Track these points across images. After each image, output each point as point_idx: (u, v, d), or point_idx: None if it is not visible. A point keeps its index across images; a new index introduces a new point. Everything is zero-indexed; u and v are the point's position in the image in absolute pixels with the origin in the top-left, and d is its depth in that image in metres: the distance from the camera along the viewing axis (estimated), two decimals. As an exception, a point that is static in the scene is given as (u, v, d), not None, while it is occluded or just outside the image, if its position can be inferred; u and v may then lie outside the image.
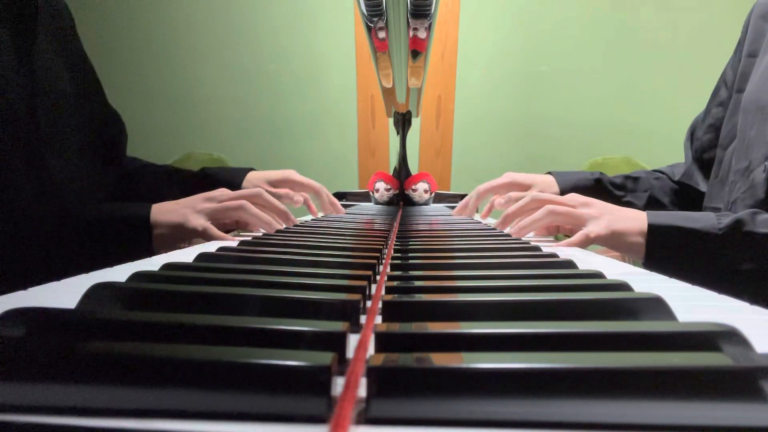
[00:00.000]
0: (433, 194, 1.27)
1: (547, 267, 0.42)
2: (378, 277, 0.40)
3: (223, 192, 0.73)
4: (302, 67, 2.19)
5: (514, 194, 0.81)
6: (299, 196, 0.90)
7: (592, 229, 0.66)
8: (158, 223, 0.67)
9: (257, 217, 0.70)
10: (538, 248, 0.52)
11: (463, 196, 1.36)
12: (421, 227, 0.74)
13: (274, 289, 0.30)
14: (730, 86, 0.89)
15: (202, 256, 0.44)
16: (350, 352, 0.23)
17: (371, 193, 1.27)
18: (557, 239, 0.73)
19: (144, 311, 0.28)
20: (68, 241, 0.66)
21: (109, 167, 0.93)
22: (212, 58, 2.23)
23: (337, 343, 0.22)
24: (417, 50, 0.79)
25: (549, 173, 0.99)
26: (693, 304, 0.33)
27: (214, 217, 0.70)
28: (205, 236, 0.68)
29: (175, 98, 2.25)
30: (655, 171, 1.03)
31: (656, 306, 0.27)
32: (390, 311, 0.27)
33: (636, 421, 0.17)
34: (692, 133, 1.00)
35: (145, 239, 0.67)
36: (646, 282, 0.40)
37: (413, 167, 1.35)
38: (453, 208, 1.24)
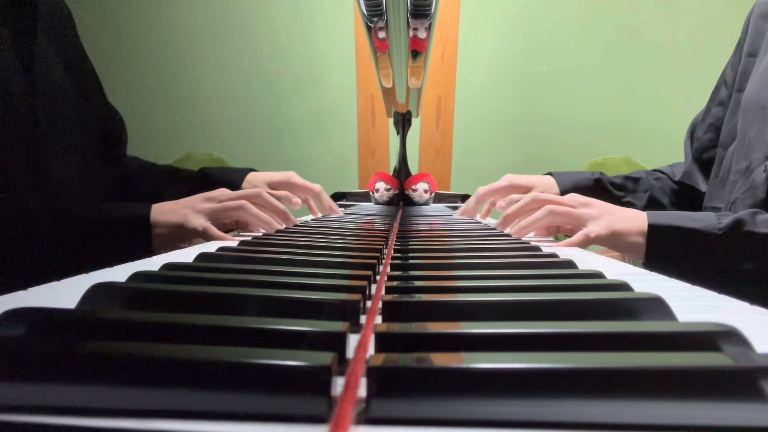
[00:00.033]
0: (433, 194, 1.27)
1: (547, 267, 0.42)
2: (378, 277, 0.40)
3: (223, 192, 0.73)
4: (302, 67, 2.19)
5: (515, 196, 0.81)
6: (297, 198, 0.90)
7: (592, 229, 0.66)
8: (158, 223, 0.67)
9: (257, 217, 0.71)
10: (538, 248, 0.52)
11: (463, 196, 1.36)
12: (421, 227, 0.74)
13: (274, 289, 0.30)
14: (731, 85, 0.89)
15: (202, 256, 0.44)
16: (350, 352, 0.23)
17: (371, 193, 1.27)
18: (557, 239, 0.73)
19: (144, 311, 0.28)
20: (68, 241, 0.66)
21: (110, 167, 0.93)
22: (212, 58, 2.23)
23: (337, 343, 0.22)
24: (417, 50, 0.79)
25: (549, 173, 0.99)
26: (693, 304, 0.33)
27: (214, 217, 0.70)
28: (205, 236, 0.68)
29: (175, 98, 2.25)
30: (655, 171, 1.03)
31: (656, 306, 0.27)
32: (390, 311, 0.27)
33: (636, 421, 0.17)
34: (692, 133, 1.00)
35: (145, 239, 0.67)
36: (646, 282, 0.40)
37: (413, 167, 1.35)
38: (453, 208, 1.24)
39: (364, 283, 0.32)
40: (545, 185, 0.95)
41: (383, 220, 0.84)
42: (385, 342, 0.22)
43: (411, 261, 0.44)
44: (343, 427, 0.16)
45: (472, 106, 2.16)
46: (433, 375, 0.17)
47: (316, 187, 0.96)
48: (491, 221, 0.92)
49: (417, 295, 0.30)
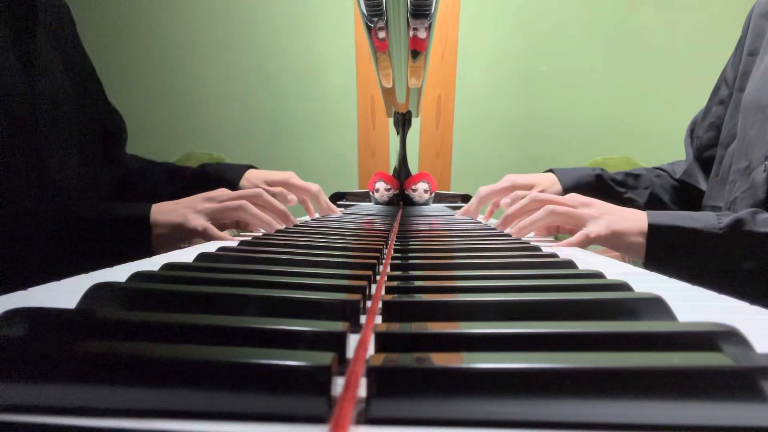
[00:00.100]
0: (433, 194, 1.27)
1: (547, 267, 0.42)
2: (378, 277, 0.40)
3: (223, 192, 0.73)
4: (302, 67, 2.19)
5: (520, 193, 0.81)
6: (293, 195, 0.89)
7: (592, 229, 0.66)
8: (158, 223, 0.67)
9: (257, 218, 0.71)
10: (538, 248, 0.52)
11: (463, 196, 1.37)
12: (421, 227, 0.74)
13: (274, 289, 0.30)
14: (731, 85, 0.89)
15: (202, 256, 0.44)
16: (350, 352, 0.23)
17: (371, 193, 1.27)
18: (557, 239, 0.73)
19: (144, 311, 0.28)
20: (68, 241, 0.66)
21: (109, 166, 0.93)
22: (212, 58, 2.23)
23: (337, 343, 0.22)
24: (417, 50, 0.79)
25: (550, 170, 0.99)
26: (693, 304, 0.33)
27: (214, 217, 0.70)
28: (205, 236, 0.68)
29: (175, 98, 2.25)
30: (655, 168, 1.03)
31: (656, 306, 0.27)
32: (390, 311, 0.27)
33: (636, 421, 0.17)
34: (692, 131, 1.00)
35: (144, 239, 0.67)
36: (646, 282, 0.40)
37: (413, 167, 1.35)
38: (453, 208, 1.24)
39: (364, 283, 0.32)
40: (547, 183, 0.95)
41: (383, 220, 0.84)
42: (385, 342, 0.22)
43: (411, 261, 0.44)
44: (343, 427, 0.16)
45: (472, 106, 2.16)
46: (433, 375, 0.17)
47: (315, 187, 0.96)
48: (493, 222, 0.92)
49: (417, 295, 0.30)
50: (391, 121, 1.30)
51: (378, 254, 0.45)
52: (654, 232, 0.64)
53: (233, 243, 0.58)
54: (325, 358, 0.18)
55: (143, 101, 2.23)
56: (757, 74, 0.81)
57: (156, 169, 0.99)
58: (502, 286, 0.32)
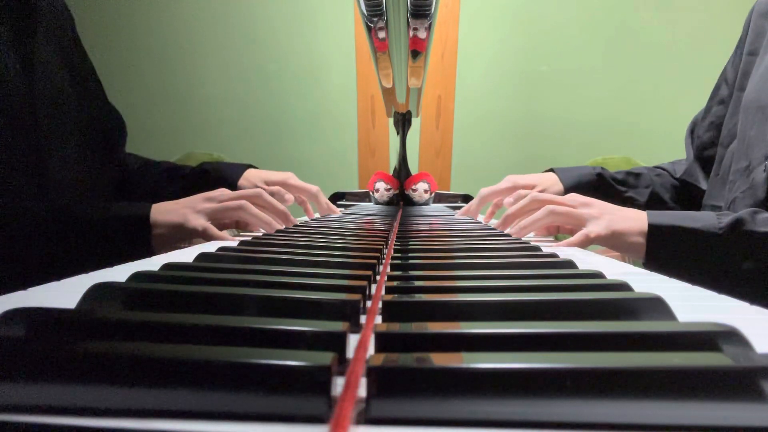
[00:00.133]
0: (433, 194, 1.27)
1: (547, 267, 0.42)
2: (378, 277, 0.40)
3: (223, 192, 0.73)
4: (302, 67, 2.19)
5: (522, 192, 0.81)
6: (290, 195, 0.89)
7: (592, 229, 0.66)
8: (158, 223, 0.67)
9: (257, 218, 0.71)
10: (538, 248, 0.52)
11: (463, 196, 1.37)
12: (421, 227, 0.74)
13: (274, 289, 0.30)
14: (731, 84, 0.89)
15: (202, 256, 0.44)
16: (350, 352, 0.23)
17: (371, 193, 1.27)
18: (557, 239, 0.73)
19: (144, 311, 0.28)
20: (68, 241, 0.66)
21: (109, 165, 0.93)
22: (212, 58, 2.23)
23: (337, 343, 0.22)
24: (417, 50, 0.79)
25: (551, 170, 0.99)
26: (693, 304, 0.33)
27: (214, 217, 0.70)
28: (205, 236, 0.68)
29: (175, 98, 2.25)
30: (656, 167, 1.03)
31: (656, 306, 0.27)
32: (390, 311, 0.27)
33: (636, 421, 0.17)
34: (692, 131, 1.00)
35: (144, 239, 0.67)
36: (646, 282, 0.40)
37: (413, 167, 1.35)
38: (453, 208, 1.24)
39: (364, 283, 0.32)
40: (548, 182, 0.95)
41: (383, 220, 0.84)
42: (385, 342, 0.22)
43: (411, 261, 0.44)
44: (343, 427, 0.16)
45: (472, 106, 2.16)
46: (433, 375, 0.17)
47: (314, 188, 0.96)
48: (494, 223, 0.92)
49: (417, 295, 0.30)
50: (391, 121, 1.30)
51: (378, 254, 0.45)
52: (654, 231, 0.64)
53: (233, 243, 0.58)
54: (325, 358, 0.18)
55: (143, 101, 2.23)
56: (757, 74, 0.81)
57: (155, 169, 0.99)
58: (502, 286, 0.32)
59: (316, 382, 0.17)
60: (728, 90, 0.90)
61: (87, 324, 0.23)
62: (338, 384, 0.19)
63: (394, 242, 0.56)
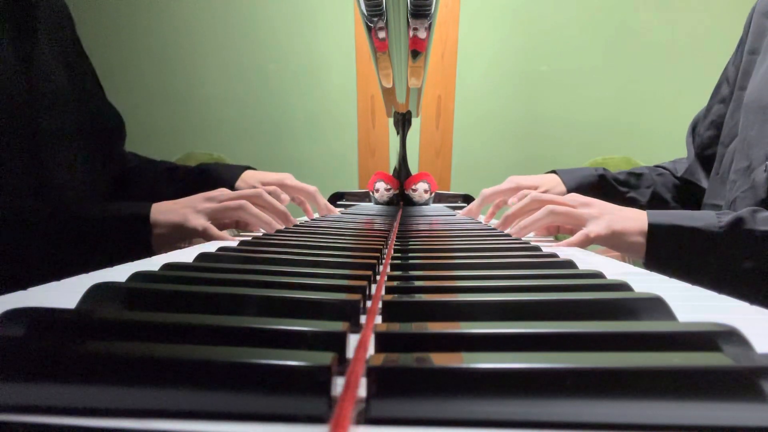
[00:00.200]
0: (433, 194, 1.27)
1: (547, 267, 0.42)
2: (378, 277, 0.40)
3: (223, 192, 0.73)
4: (302, 67, 2.19)
5: (525, 192, 0.81)
6: (286, 195, 0.90)
7: (592, 228, 0.66)
8: (158, 222, 0.67)
9: (257, 218, 0.71)
10: (538, 248, 0.52)
11: (463, 196, 1.36)
12: (421, 227, 0.74)
13: (274, 289, 0.30)
14: (732, 83, 0.89)
15: (202, 256, 0.44)
16: (350, 352, 0.23)
17: (371, 193, 1.27)
18: (557, 239, 0.73)
19: (144, 311, 0.28)
20: (68, 241, 0.66)
21: (109, 165, 0.93)
22: (212, 58, 2.23)
23: (337, 343, 0.22)
24: (417, 50, 0.79)
25: (553, 171, 0.99)
26: (693, 304, 0.33)
27: (214, 216, 0.70)
28: (205, 236, 0.68)
29: (175, 98, 2.25)
30: (657, 167, 1.03)
31: (656, 306, 0.27)
32: (390, 311, 0.27)
33: (636, 421, 0.17)
34: (693, 129, 1.00)
35: (144, 239, 0.67)
36: (646, 282, 0.40)
37: (413, 167, 1.35)
38: (453, 208, 1.24)
39: (364, 283, 0.32)
40: (550, 184, 0.95)
41: (383, 220, 0.84)
42: (385, 342, 0.22)
43: (411, 261, 0.44)
44: (343, 427, 0.16)
45: (472, 106, 2.16)
46: (433, 375, 0.17)
47: (311, 188, 0.96)
48: (494, 223, 0.92)
49: (417, 295, 0.30)
50: (391, 121, 1.30)
51: (378, 254, 0.45)
52: (654, 231, 0.64)
53: (233, 243, 0.58)
54: (325, 358, 0.18)
55: (143, 101, 2.23)
56: (758, 74, 0.81)
57: (155, 168, 0.99)
58: (502, 286, 0.32)
59: (316, 382, 0.17)
60: (729, 89, 0.90)
61: (87, 324, 0.23)
62: (338, 384, 0.19)
63: (394, 242, 0.56)
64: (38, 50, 0.76)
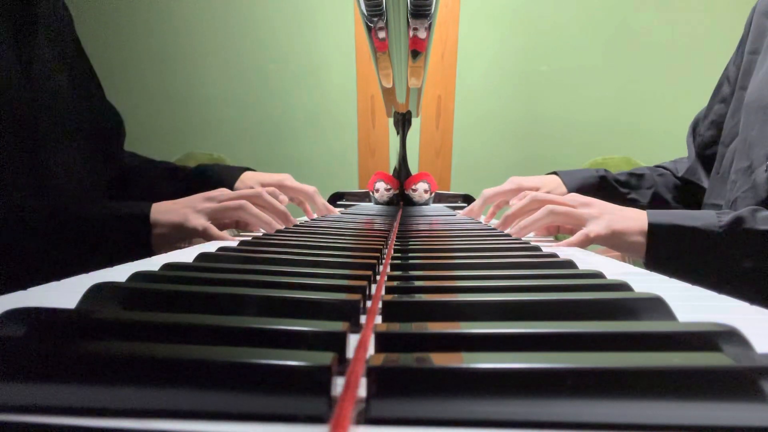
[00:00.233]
0: (433, 194, 1.27)
1: (547, 267, 0.42)
2: (378, 277, 0.40)
3: (223, 192, 0.73)
4: (302, 67, 2.19)
5: (526, 192, 0.81)
6: (284, 196, 0.90)
7: (592, 228, 0.66)
8: (158, 222, 0.67)
9: (257, 218, 0.71)
10: (538, 248, 0.52)
11: (463, 196, 1.36)
12: (421, 227, 0.74)
13: (274, 289, 0.30)
14: (733, 83, 0.89)
15: (202, 256, 0.44)
16: (350, 352, 0.23)
17: (371, 193, 1.27)
18: (557, 239, 0.73)
19: (144, 311, 0.28)
20: (68, 241, 0.66)
21: (108, 164, 0.93)
22: (212, 58, 2.23)
23: (337, 343, 0.22)
24: (417, 50, 0.79)
25: (554, 173, 0.99)
26: (693, 304, 0.33)
27: (214, 216, 0.70)
28: (205, 236, 0.68)
29: (175, 98, 2.25)
30: (658, 167, 1.03)
31: (656, 306, 0.27)
32: (390, 311, 0.27)
33: (636, 421, 0.17)
34: (694, 129, 1.00)
35: (144, 239, 0.67)
36: (646, 282, 0.40)
37: (413, 167, 1.35)
38: (453, 208, 1.24)
39: (364, 283, 0.32)
40: (552, 185, 0.95)
41: (383, 220, 0.84)
42: (385, 342, 0.22)
43: (411, 261, 0.44)
44: (343, 427, 0.16)
45: (472, 106, 2.16)
46: (433, 375, 0.17)
47: (310, 189, 0.96)
48: (494, 223, 0.92)
49: (417, 295, 0.30)
50: (391, 121, 1.30)
51: (378, 254, 0.45)
52: (654, 231, 0.64)
53: (233, 243, 0.58)
54: (325, 358, 0.18)
55: (143, 101, 2.23)
56: (759, 74, 0.81)
57: (154, 169, 0.99)
58: (502, 286, 0.32)
59: (317, 382, 0.17)
60: (730, 88, 0.90)
61: (87, 324, 0.23)
62: (338, 384, 0.19)
63: (394, 242, 0.56)
64: (38, 50, 0.76)
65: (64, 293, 0.33)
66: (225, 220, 0.75)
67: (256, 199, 0.73)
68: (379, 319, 0.28)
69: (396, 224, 0.78)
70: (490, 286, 0.32)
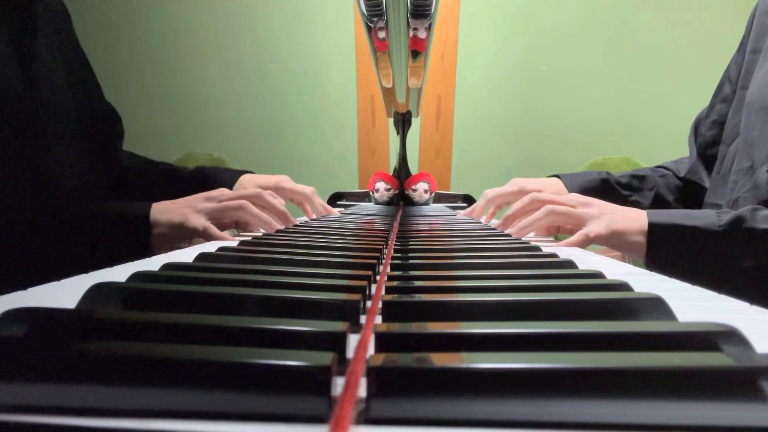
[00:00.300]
0: (433, 194, 1.27)
1: (547, 267, 0.42)
2: (378, 277, 0.40)
3: (223, 192, 0.73)
4: (302, 67, 2.19)
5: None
6: (281, 199, 0.90)
7: (592, 228, 0.66)
8: (158, 222, 0.67)
9: (257, 217, 0.71)
10: (538, 248, 0.52)
11: (463, 196, 1.36)
12: (421, 227, 0.74)
13: (274, 289, 0.30)
14: (734, 82, 0.89)
15: (202, 256, 0.44)
16: (350, 352, 0.23)
17: (371, 193, 1.27)
18: (557, 239, 0.73)
19: (144, 311, 0.28)
20: (67, 241, 0.66)
21: (107, 164, 0.93)
22: (212, 58, 2.23)
23: (337, 343, 0.22)
24: (417, 50, 0.79)
25: (556, 176, 0.99)
26: (693, 304, 0.33)
27: (214, 216, 0.70)
28: (205, 236, 0.68)
29: (175, 98, 2.25)
30: (659, 167, 1.03)
31: (656, 306, 0.27)
32: (390, 311, 0.27)
33: (636, 421, 0.17)
34: (696, 128, 1.00)
35: (144, 239, 0.67)
36: (646, 282, 0.40)
37: (413, 167, 1.35)
38: (453, 208, 1.24)
39: (364, 283, 0.32)
40: (554, 188, 0.95)
41: (383, 220, 0.84)
42: (385, 342, 0.22)
43: (411, 261, 0.44)
44: (343, 427, 0.16)
45: (472, 106, 2.16)
46: (433, 375, 0.17)
47: (308, 190, 0.96)
48: (494, 223, 0.92)
49: (417, 295, 0.30)
50: (391, 121, 1.30)
51: (378, 254, 0.45)
52: (654, 230, 0.64)
53: (233, 243, 0.58)
54: (325, 358, 0.18)
55: (143, 101, 2.23)
56: (760, 73, 0.81)
57: (154, 169, 0.99)
58: (502, 286, 0.32)
59: (316, 382, 0.17)
60: (731, 88, 0.90)
61: (87, 324, 0.23)
62: (338, 384, 0.19)
63: (394, 242, 0.56)
64: (38, 50, 0.76)
65: (64, 293, 0.33)
66: (225, 220, 0.75)
67: (256, 199, 0.73)
68: (379, 319, 0.28)
69: (396, 224, 0.78)
70: (490, 286, 0.32)
